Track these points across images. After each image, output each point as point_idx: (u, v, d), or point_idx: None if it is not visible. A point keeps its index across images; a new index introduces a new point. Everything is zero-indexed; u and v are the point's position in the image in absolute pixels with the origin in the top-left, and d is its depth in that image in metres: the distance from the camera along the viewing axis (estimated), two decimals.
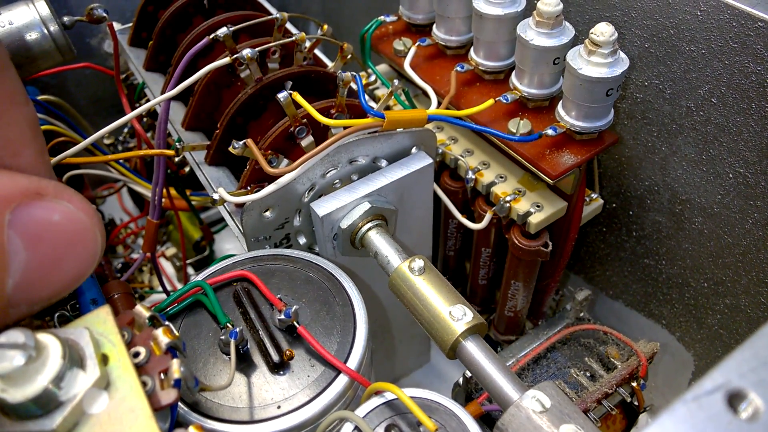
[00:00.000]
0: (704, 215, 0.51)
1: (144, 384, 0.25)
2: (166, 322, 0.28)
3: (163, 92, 0.46)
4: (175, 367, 0.26)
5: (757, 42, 0.40)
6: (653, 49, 0.47)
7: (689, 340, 0.58)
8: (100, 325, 0.26)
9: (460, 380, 0.50)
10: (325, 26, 0.52)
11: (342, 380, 0.33)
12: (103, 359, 0.24)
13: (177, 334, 0.27)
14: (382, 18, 0.57)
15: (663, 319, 0.60)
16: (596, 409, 0.48)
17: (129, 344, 0.27)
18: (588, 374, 0.51)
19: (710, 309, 0.54)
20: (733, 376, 0.21)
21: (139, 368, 0.26)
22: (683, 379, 0.60)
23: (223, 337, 0.32)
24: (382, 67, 0.60)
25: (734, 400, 0.21)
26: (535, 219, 0.47)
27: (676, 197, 0.52)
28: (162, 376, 0.26)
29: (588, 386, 0.49)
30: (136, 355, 0.27)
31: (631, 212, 0.57)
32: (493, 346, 0.62)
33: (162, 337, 0.27)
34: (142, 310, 0.28)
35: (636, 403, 0.51)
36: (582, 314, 0.56)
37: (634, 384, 0.50)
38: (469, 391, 0.50)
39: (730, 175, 0.47)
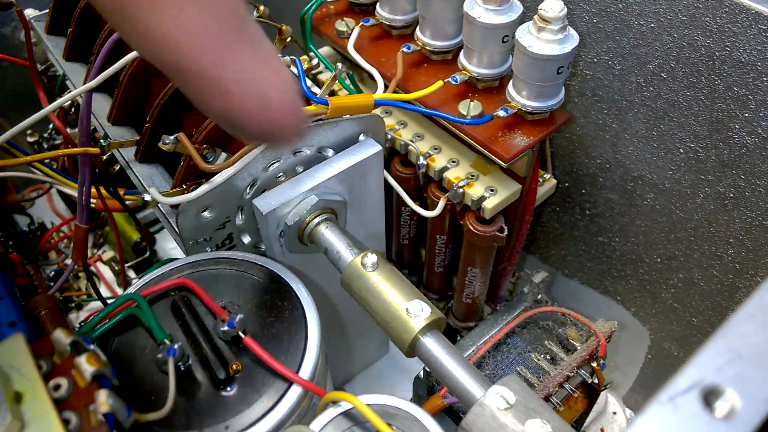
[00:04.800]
0: (656, 191, 0.50)
1: (66, 422, 0.22)
2: (91, 346, 0.25)
3: (84, 83, 0.42)
4: (102, 399, 0.23)
5: (705, 14, 0.40)
6: (602, 24, 0.46)
7: (644, 315, 0.59)
8: (11, 357, 0.22)
9: (421, 373, 0.49)
10: (261, 7, 0.48)
11: (295, 392, 0.31)
12: (16, 398, 0.21)
13: (104, 359, 0.25)
14: None
15: (618, 296, 0.60)
16: (558, 393, 0.48)
17: (48, 376, 0.24)
18: (548, 357, 0.50)
19: (664, 284, 0.55)
20: (707, 371, 0.20)
21: (61, 403, 0.23)
22: (640, 353, 0.60)
23: (160, 356, 0.30)
24: (326, 50, 0.57)
25: (710, 397, 0.19)
26: (490, 204, 0.46)
27: (627, 174, 0.52)
28: (89, 409, 0.23)
29: (549, 370, 0.48)
30: (57, 388, 0.24)
31: (583, 191, 0.57)
32: (453, 333, 0.61)
33: (85, 365, 0.24)
34: (62, 336, 0.25)
35: (596, 382, 0.50)
36: (540, 296, 0.55)
37: (594, 364, 0.49)
38: (430, 383, 0.49)
39: (681, 150, 0.47)
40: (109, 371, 0.24)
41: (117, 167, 0.49)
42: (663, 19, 0.42)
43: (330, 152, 0.42)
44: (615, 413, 0.64)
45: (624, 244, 0.56)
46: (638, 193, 0.52)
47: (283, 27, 0.45)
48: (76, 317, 0.67)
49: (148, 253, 0.66)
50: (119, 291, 0.66)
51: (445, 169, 0.48)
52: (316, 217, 0.40)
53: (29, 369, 0.22)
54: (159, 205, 0.38)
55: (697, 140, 0.45)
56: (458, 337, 0.59)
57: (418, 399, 0.51)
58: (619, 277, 0.59)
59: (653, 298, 0.57)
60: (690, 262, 0.51)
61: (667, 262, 0.53)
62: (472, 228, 0.48)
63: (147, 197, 0.37)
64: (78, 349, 0.24)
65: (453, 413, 0.47)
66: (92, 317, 0.32)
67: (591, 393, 0.52)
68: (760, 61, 0.38)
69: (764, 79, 0.39)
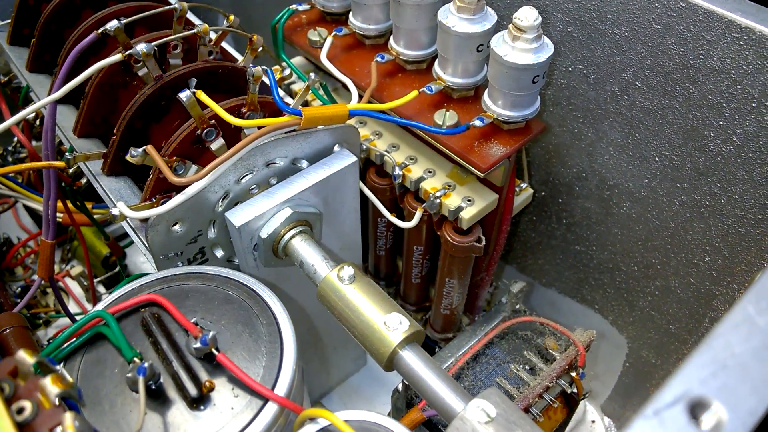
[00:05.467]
0: (632, 199, 0.51)
1: None
2: (57, 367, 0.24)
3: (48, 95, 0.41)
4: (68, 423, 0.22)
5: (679, 23, 0.40)
6: (576, 33, 0.46)
7: (622, 323, 0.59)
8: None
9: (400, 386, 0.48)
10: (232, 17, 0.47)
11: (270, 409, 0.30)
12: None
13: (70, 380, 0.23)
14: (294, 7, 0.53)
15: (596, 304, 0.60)
16: (537, 403, 0.48)
17: (11, 399, 0.22)
18: (528, 368, 0.50)
19: (641, 292, 0.55)
20: (693, 383, 0.19)
21: (24, 427, 0.22)
22: (618, 361, 0.60)
23: (130, 374, 0.28)
24: (298, 60, 0.57)
25: (696, 409, 0.19)
26: (467, 214, 0.46)
27: (603, 183, 0.52)
28: None
29: (528, 381, 0.48)
30: (21, 411, 0.22)
31: (560, 200, 0.57)
32: (431, 345, 0.61)
33: (50, 387, 0.23)
34: (25, 356, 0.23)
35: (575, 392, 0.50)
36: (518, 306, 0.55)
37: (573, 374, 0.49)
38: (409, 396, 0.48)
39: (656, 159, 0.47)
40: (76, 393, 0.23)
41: (84, 181, 0.48)
42: (637, 28, 0.43)
43: (304, 163, 0.41)
44: (594, 422, 0.63)
45: (601, 253, 0.57)
46: (614, 202, 0.52)
47: (254, 37, 0.44)
48: (45, 334, 0.65)
49: (117, 268, 0.64)
50: (89, 306, 0.64)
51: (421, 179, 0.48)
52: (290, 229, 0.39)
53: None
54: (128, 219, 0.37)
55: (673, 148, 0.45)
56: (436, 349, 0.58)
57: (397, 412, 0.50)
58: (596, 286, 0.59)
59: (631, 306, 0.57)
60: (667, 270, 0.51)
61: (644, 270, 0.53)
62: (449, 239, 0.48)
63: (115, 211, 0.36)
64: (43, 370, 0.23)
65: (432, 426, 0.46)
66: (59, 335, 0.30)
67: (570, 403, 0.52)
68: (734, 69, 0.39)
69: (738, 87, 0.39)
